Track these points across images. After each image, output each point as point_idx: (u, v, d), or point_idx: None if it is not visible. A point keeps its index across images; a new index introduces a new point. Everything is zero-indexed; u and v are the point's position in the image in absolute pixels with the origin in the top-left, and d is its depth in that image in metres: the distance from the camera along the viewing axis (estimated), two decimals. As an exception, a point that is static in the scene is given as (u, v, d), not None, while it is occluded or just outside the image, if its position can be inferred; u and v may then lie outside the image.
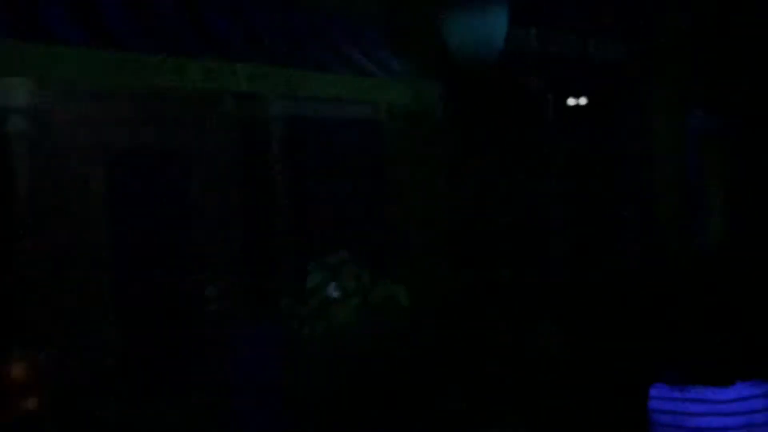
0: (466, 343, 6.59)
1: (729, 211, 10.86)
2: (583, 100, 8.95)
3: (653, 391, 2.77)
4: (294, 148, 6.84)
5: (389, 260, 7.05)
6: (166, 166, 6.17)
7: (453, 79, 6.97)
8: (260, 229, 6.54)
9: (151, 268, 5.97)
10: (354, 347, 6.14)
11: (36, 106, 5.40)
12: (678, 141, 9.61)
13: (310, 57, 6.19)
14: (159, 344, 5.90)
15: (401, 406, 5.77)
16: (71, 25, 4.90)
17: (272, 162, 6.74)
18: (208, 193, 6.36)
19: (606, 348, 6.57)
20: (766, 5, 9.81)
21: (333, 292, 6.33)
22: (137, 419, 5.35)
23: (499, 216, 8.12)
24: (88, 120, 5.64)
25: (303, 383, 5.73)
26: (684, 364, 2.73)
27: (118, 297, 5.82)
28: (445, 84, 6.82)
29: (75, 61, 4.71)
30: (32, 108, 5.39)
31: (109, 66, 4.83)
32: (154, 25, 5.41)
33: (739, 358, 2.73)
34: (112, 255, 5.79)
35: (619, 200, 9.35)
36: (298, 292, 6.41)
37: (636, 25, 9.07)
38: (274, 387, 5.40)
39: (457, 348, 6.53)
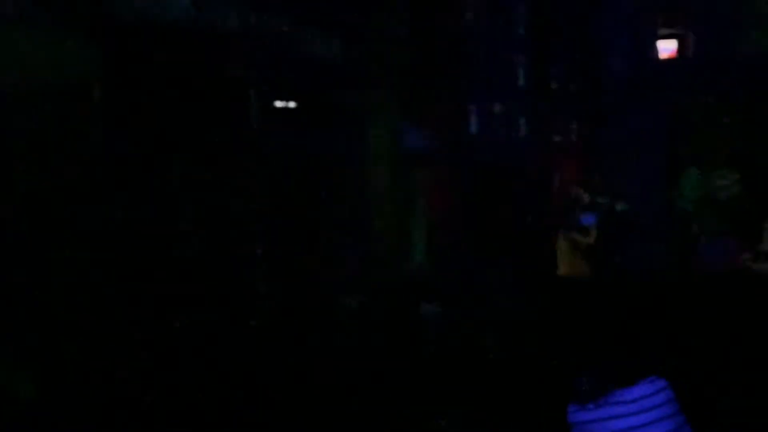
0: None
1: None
2: (294, 101, 7.84)
3: (570, 407, 2.86)
4: None
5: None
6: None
7: (117, 44, 5.19)
8: None
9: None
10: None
11: None
12: (394, 154, 8.94)
13: None
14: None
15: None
16: None
17: None
18: None
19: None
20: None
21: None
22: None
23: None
24: None
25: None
26: (593, 372, 2.81)
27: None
28: (106, 51, 5.04)
29: None
30: None
31: None
32: None
33: (637, 359, 2.84)
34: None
35: (329, 214, 8.33)
36: None
37: (355, 24, 8.24)
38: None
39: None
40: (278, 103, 7.84)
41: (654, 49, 14.35)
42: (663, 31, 14.33)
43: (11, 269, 4.88)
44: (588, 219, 9.57)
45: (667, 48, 14.34)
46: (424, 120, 10.45)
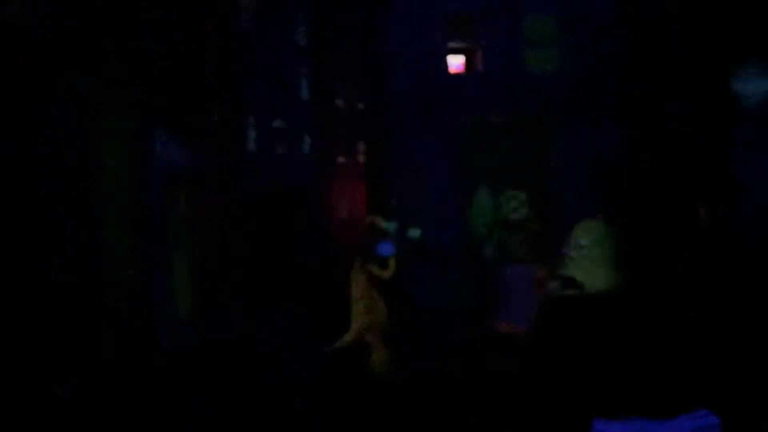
0: None
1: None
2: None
3: (597, 425, 2.75)
4: None
5: None
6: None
7: None
8: None
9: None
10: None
11: None
12: (137, 175, 7.05)
13: None
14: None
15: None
16: None
17: None
18: None
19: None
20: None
21: None
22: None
23: None
24: None
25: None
26: (626, 397, 2.74)
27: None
28: None
29: None
30: None
31: None
32: None
33: (682, 391, 2.78)
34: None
35: (46, 250, 6.27)
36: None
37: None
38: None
39: None
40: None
41: (443, 65, 13.60)
42: (452, 45, 13.62)
43: None
44: (386, 249, 8.25)
45: (455, 64, 13.65)
46: (188, 135, 8.79)
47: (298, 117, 13.50)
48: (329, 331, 8.47)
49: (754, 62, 11.72)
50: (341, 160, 14.16)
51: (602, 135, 12.40)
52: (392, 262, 8.26)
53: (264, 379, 7.73)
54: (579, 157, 12.46)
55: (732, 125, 12.83)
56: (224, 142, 9.82)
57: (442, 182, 12.30)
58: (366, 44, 13.75)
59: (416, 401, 7.64)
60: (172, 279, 8.36)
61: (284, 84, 13.12)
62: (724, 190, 12.55)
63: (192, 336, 8.24)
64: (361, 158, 13.96)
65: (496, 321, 8.22)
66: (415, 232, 11.74)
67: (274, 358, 8.34)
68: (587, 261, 8.66)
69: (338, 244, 11.16)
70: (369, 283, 8.27)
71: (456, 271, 11.31)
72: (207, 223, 8.86)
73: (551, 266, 7.50)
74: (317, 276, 10.00)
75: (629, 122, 12.83)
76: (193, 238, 8.68)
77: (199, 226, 8.74)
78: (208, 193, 8.93)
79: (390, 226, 12.55)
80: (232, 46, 11.05)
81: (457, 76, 13.58)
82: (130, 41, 6.81)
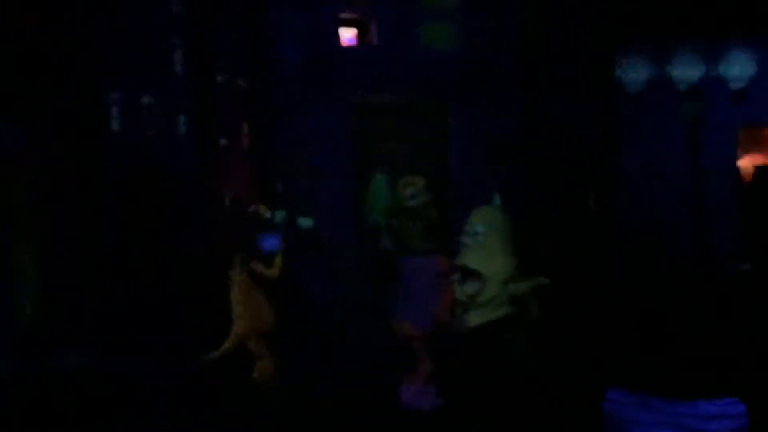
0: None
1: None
2: None
3: (611, 394, 2.81)
4: None
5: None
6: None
7: None
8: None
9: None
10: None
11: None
12: None
13: None
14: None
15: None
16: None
17: None
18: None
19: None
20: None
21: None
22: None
23: None
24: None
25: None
26: (648, 374, 2.75)
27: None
28: None
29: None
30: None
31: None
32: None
33: (706, 376, 2.77)
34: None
35: None
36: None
37: None
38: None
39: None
40: None
41: (334, 38, 12.41)
42: (344, 16, 12.45)
43: None
44: (271, 243, 7.07)
45: (347, 37, 12.51)
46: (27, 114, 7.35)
47: (171, 93, 12.07)
48: (205, 339, 7.34)
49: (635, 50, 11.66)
50: (222, 141, 12.81)
51: (500, 116, 11.54)
52: (278, 259, 7.13)
53: (122, 403, 6.53)
54: (477, 138, 11.52)
55: (617, 112, 12.66)
56: (76, 120, 8.40)
57: (335, 166, 11.11)
58: (249, 13, 12.43)
59: (308, 417, 6.67)
60: (9, 282, 6.98)
61: (155, 56, 11.67)
62: (609, 177, 12.40)
63: (32, 356, 6.90)
64: (244, 140, 12.63)
65: (395, 321, 7.23)
66: (306, 222, 10.57)
67: (136, 375, 7.11)
68: (483, 249, 7.64)
69: (217, 238, 9.90)
70: (252, 282, 7.12)
71: (352, 264, 10.27)
72: (54, 214, 7.45)
73: (451, 256, 6.69)
74: (191, 275, 8.75)
75: (526, 104, 12.18)
76: (36, 231, 7.29)
77: (45, 217, 7.34)
78: (55, 178, 7.52)
79: (278, 215, 11.35)
80: (91, 11, 9.61)
81: (349, 50, 12.42)
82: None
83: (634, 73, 11.10)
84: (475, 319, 6.53)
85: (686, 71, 10.83)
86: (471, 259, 6.46)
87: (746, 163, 12.51)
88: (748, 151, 12.67)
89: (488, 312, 6.37)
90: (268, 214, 7.26)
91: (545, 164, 11.28)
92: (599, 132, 11.57)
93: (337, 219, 10.71)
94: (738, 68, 10.92)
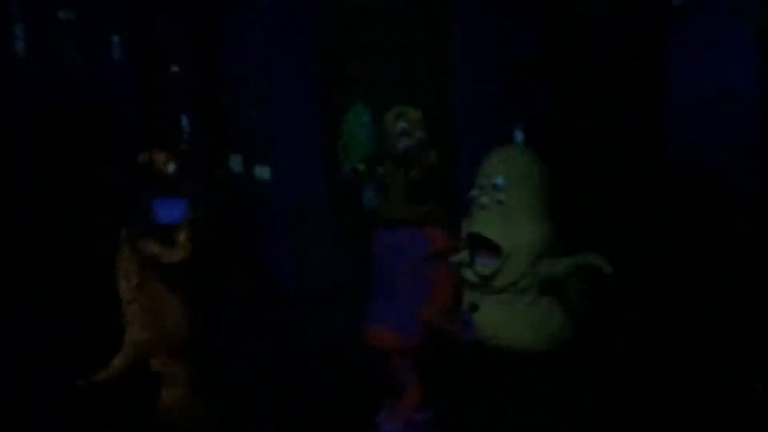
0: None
1: None
2: None
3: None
4: None
5: None
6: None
7: None
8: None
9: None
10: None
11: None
12: None
13: None
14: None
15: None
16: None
17: None
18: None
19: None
20: None
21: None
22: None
23: None
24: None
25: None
26: None
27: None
28: None
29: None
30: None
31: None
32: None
33: None
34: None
35: None
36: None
37: None
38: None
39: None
40: None
41: None
42: None
43: None
44: (169, 210, 4.71)
45: None
46: None
47: (99, 5, 9.64)
48: (87, 351, 5.14)
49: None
50: (173, 68, 10.38)
51: (520, 22, 8.70)
52: (183, 235, 4.79)
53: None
54: (491, 53, 8.55)
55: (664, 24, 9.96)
56: None
57: (293, 93, 8.37)
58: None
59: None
60: None
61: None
62: (658, 98, 9.91)
63: None
64: (185, 67, 10.10)
65: (369, 327, 4.86)
66: (262, 172, 8.06)
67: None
68: (505, 210, 5.43)
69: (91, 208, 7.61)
70: (146, 271, 4.79)
71: (322, 230, 7.87)
72: None
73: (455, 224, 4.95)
74: (86, 260, 6.55)
75: (552, 10, 9.47)
76: None
77: None
78: None
79: (234, 161, 8.94)
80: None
81: None
82: None
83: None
84: (489, 314, 4.79)
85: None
86: (487, 225, 5.11)
87: None
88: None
89: (510, 302, 4.93)
90: (171, 166, 4.93)
91: (579, 89, 8.68)
92: (646, 45, 9.06)
93: (304, 168, 8.17)
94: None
